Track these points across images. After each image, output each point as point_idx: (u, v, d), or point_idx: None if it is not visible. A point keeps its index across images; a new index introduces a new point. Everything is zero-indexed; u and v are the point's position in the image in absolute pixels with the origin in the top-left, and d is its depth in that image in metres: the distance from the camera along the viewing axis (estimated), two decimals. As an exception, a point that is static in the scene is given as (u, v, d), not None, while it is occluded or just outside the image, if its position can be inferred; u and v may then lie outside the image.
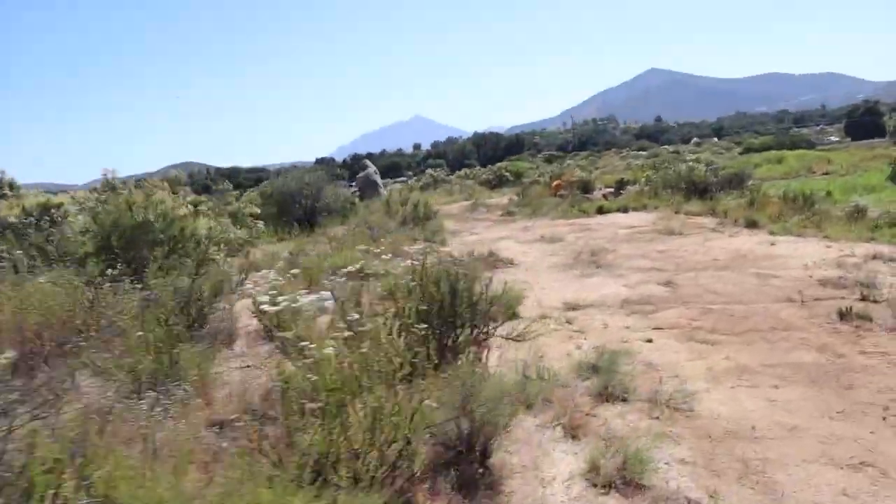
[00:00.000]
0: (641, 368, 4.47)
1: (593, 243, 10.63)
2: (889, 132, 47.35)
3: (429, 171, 44.92)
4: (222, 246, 5.86)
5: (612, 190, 21.12)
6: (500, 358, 4.21)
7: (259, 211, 14.28)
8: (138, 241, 5.12)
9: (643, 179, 18.37)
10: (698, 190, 15.21)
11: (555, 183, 21.67)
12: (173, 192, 10.99)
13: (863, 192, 23.03)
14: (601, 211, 15.37)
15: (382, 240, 11.77)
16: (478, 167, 48.64)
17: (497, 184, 32.28)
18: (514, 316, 6.01)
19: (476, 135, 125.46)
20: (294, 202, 15.21)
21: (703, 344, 5.03)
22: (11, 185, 18.03)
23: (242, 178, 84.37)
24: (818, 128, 77.22)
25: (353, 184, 33.79)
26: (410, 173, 70.34)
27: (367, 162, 34.64)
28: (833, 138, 60.55)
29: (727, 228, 11.33)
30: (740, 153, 41.44)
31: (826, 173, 31.78)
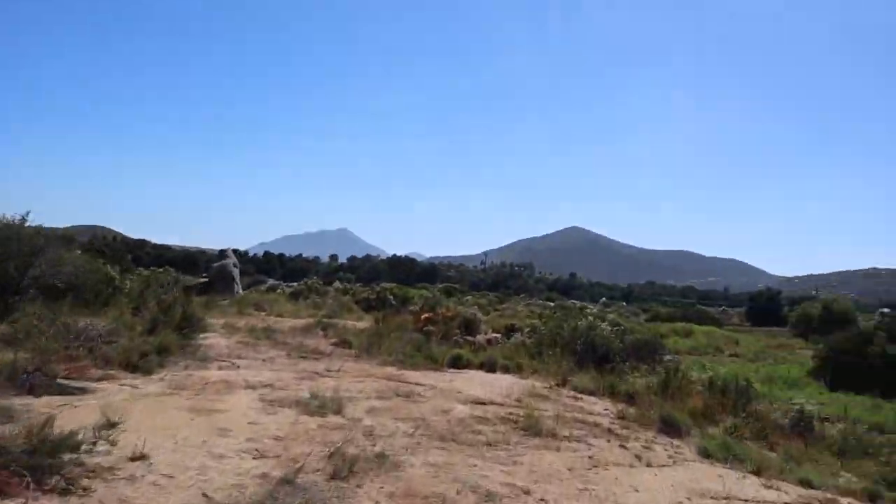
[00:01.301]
0: None
1: (380, 432, 5.55)
2: (791, 323, 47.06)
3: (307, 280, 39.43)
4: None
5: (499, 335, 17.28)
6: None
7: None
8: None
9: (527, 329, 13.83)
10: (598, 356, 10.75)
11: (423, 315, 16.88)
12: None
13: (783, 385, 19.91)
14: (457, 363, 10.53)
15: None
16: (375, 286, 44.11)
17: (377, 306, 28.09)
18: None
19: (392, 257, 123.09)
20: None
21: None
22: None
23: (146, 252, 75.68)
24: (720, 308, 78.14)
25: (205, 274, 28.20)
26: (308, 280, 65.29)
27: (230, 252, 29.27)
28: (734, 320, 60.26)
29: (632, 433, 6.58)
30: (646, 320, 39.51)
31: (734, 355, 29.38)
